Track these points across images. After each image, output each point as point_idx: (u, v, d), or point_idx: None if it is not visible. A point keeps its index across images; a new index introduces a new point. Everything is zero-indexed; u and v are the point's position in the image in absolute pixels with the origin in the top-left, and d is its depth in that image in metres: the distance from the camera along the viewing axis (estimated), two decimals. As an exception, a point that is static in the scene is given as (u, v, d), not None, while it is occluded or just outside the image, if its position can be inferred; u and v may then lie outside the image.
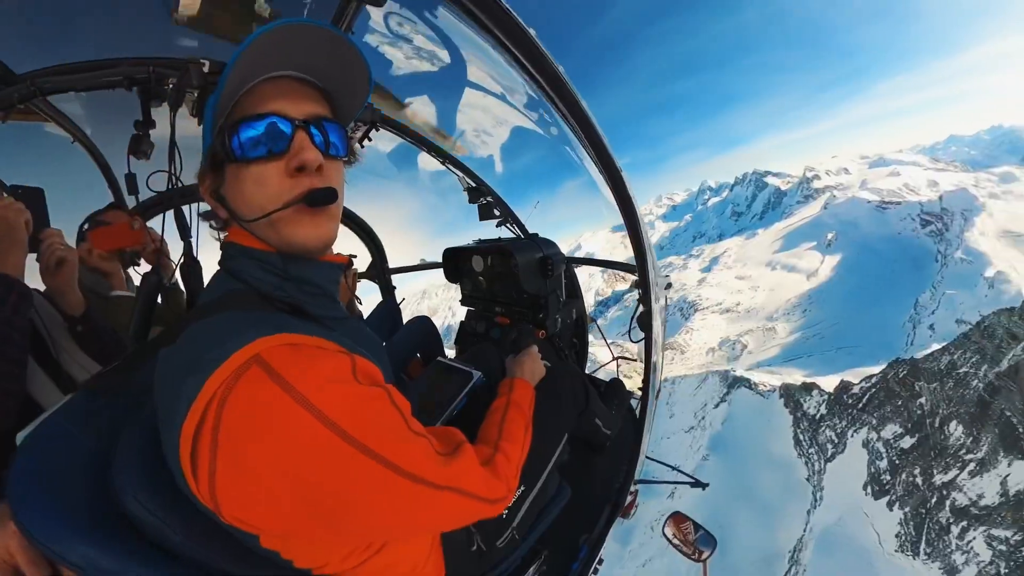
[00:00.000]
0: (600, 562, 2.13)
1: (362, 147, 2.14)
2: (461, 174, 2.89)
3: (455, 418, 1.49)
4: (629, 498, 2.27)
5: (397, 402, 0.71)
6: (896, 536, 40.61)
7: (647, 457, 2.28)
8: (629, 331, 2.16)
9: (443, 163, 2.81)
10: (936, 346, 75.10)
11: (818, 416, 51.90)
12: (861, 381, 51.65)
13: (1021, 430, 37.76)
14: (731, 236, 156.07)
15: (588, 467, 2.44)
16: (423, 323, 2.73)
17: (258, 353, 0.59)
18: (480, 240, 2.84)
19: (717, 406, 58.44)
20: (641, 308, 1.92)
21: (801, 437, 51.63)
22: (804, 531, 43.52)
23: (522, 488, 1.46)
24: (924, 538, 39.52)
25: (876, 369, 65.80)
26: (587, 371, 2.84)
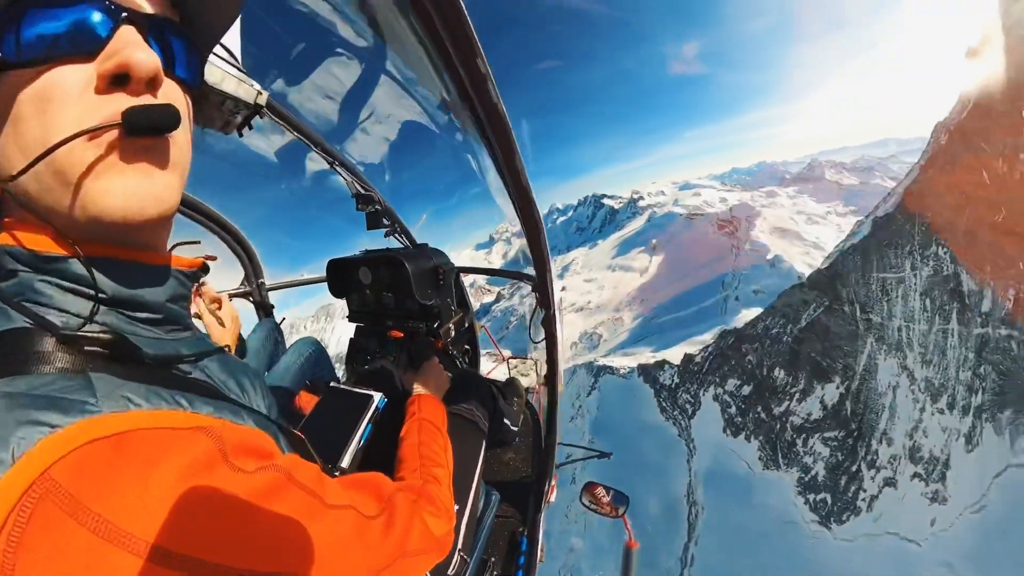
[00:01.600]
0: (543, 550, 2.12)
1: (240, 136, 1.73)
2: (350, 178, 2.46)
3: (363, 449, 1.21)
4: (549, 485, 2.26)
5: (302, 477, 0.46)
6: (759, 459, 45.17)
7: (560, 443, 2.20)
8: (530, 332, 2.11)
9: (332, 165, 2.37)
10: (745, 312, 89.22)
11: (673, 385, 56.32)
12: (700, 351, 57.86)
13: (824, 364, 44.36)
14: (577, 247, 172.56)
15: (503, 465, 2.52)
16: (310, 345, 2.25)
17: (47, 471, 0.32)
18: (367, 251, 2.40)
19: (589, 394, 60.73)
20: (542, 311, 1.72)
21: (664, 405, 55.39)
22: (690, 476, 46.84)
23: (457, 507, 1.33)
24: (779, 454, 43.53)
25: (709, 338, 75.14)
26: (483, 375, 2.73)
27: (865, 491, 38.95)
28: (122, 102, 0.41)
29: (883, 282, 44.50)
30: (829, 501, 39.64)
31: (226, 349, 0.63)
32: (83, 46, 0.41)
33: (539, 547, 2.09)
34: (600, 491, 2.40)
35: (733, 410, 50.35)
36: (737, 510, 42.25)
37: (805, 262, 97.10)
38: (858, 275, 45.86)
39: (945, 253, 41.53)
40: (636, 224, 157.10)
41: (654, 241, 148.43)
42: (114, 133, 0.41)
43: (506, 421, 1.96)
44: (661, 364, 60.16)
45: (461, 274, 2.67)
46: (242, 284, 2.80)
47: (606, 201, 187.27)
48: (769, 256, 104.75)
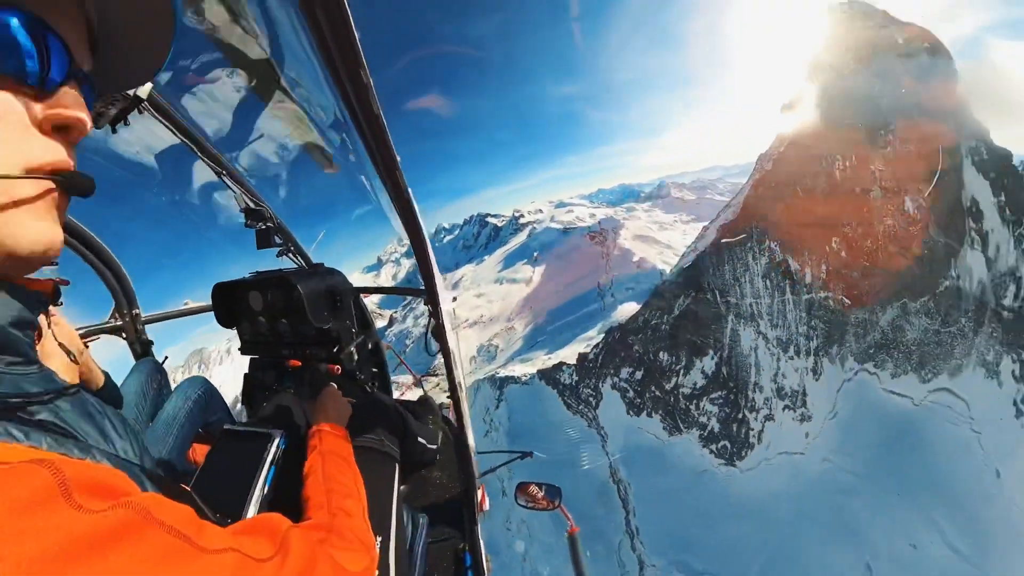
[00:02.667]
0: (488, 560, 2.14)
1: (113, 131, 1.47)
2: (240, 191, 2.13)
3: (268, 495, 1.09)
4: (479, 494, 2.26)
5: (167, 517, 0.39)
6: (663, 429, 49.23)
7: (478, 453, 2.23)
8: (426, 344, 2.12)
9: (220, 175, 2.04)
10: (622, 308, 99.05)
11: (573, 383, 58.51)
12: (592, 349, 60.75)
13: (698, 342, 52.45)
14: (465, 264, 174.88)
15: (431, 485, 2.46)
16: (197, 386, 2.02)
17: None
18: (257, 273, 2.21)
19: (498, 407, 60.63)
20: (433, 322, 1.73)
21: (569, 402, 57.20)
22: (609, 460, 48.89)
23: (379, 539, 1.26)
24: (678, 421, 49.19)
25: (595, 334, 79.98)
26: (394, 397, 2.63)
27: (752, 429, 46.41)
28: (60, 152, 0.42)
29: (734, 271, 54.12)
30: (728, 446, 46.05)
31: (80, 390, 0.54)
32: (32, 80, 0.40)
33: (484, 558, 2.08)
34: (533, 488, 2.48)
35: (631, 394, 53.88)
36: (658, 476, 45.82)
37: (662, 260, 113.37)
38: (714, 269, 54.13)
39: (775, 245, 52.59)
40: (519, 239, 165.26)
41: (536, 254, 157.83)
42: (49, 182, 0.41)
43: (421, 441, 1.90)
44: (559, 366, 62.05)
45: (360, 294, 2.55)
46: (112, 317, 2.39)
47: (490, 220, 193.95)
48: (635, 259, 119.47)
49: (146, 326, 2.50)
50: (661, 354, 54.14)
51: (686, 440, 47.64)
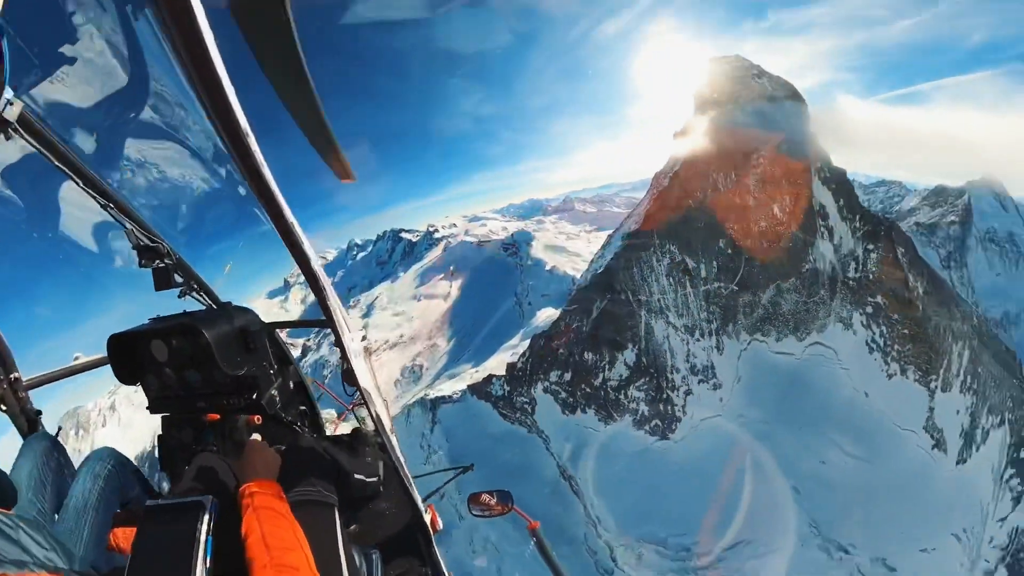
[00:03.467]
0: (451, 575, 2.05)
1: None
2: (131, 225, 1.86)
3: (211, 566, 1.01)
4: (429, 516, 2.18)
5: None
6: (599, 421, 51.40)
7: (415, 477, 2.12)
8: (344, 388, 1.94)
9: (106, 207, 1.77)
10: (540, 314, 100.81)
11: (505, 394, 57.60)
12: (518, 358, 60.63)
13: (618, 339, 55.56)
14: (380, 283, 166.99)
15: (381, 518, 2.33)
16: (106, 461, 1.76)
17: None
18: (157, 318, 1.99)
19: (433, 430, 57.59)
20: (344, 364, 1.59)
21: (505, 412, 56.32)
22: (556, 461, 49.61)
23: None
24: (611, 411, 51.13)
25: (520, 344, 79.34)
26: (327, 433, 2.53)
27: (676, 405, 50.60)
28: None
29: (641, 273, 58.98)
30: (660, 423, 49.53)
31: None
32: None
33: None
34: (484, 497, 2.44)
35: (563, 395, 54.84)
36: (604, 464, 47.69)
37: (572, 267, 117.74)
38: (625, 272, 56.73)
39: (674, 248, 58.79)
40: (434, 254, 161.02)
41: (452, 268, 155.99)
42: None
43: (359, 477, 1.76)
44: (489, 379, 60.81)
45: (276, 330, 2.33)
46: None
47: (404, 235, 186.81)
48: (548, 267, 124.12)
49: (30, 392, 1.99)
50: (586, 354, 55.88)
51: (622, 426, 50.16)
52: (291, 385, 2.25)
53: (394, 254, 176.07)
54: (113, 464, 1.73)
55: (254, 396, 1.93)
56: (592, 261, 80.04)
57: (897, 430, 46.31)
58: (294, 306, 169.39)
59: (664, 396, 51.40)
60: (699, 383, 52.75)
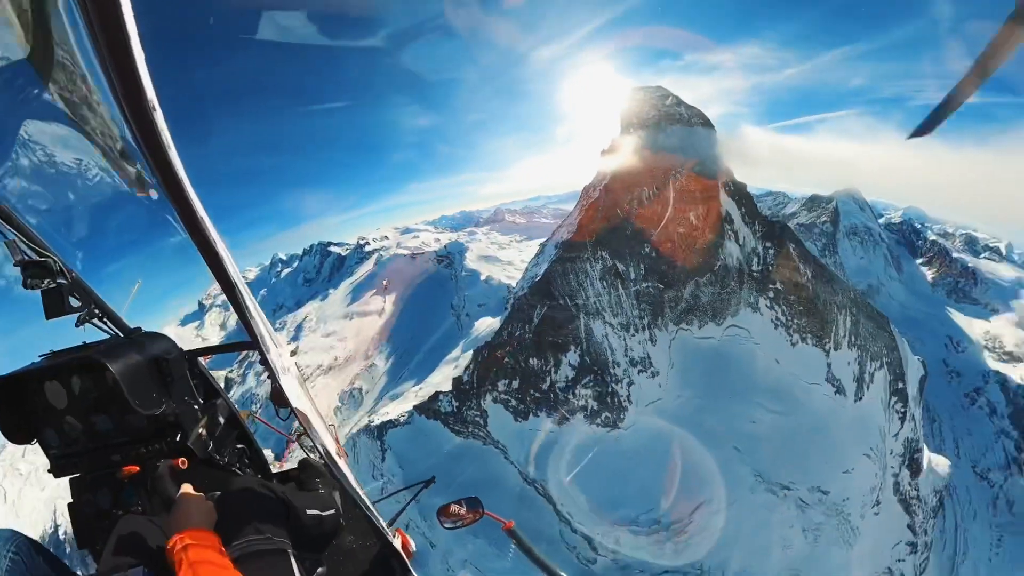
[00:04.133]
0: None
1: None
2: (13, 235, 1.48)
3: None
4: (399, 540, 2.04)
5: None
6: (552, 423, 52.97)
7: (375, 502, 1.92)
8: (277, 412, 1.68)
9: None
10: (479, 324, 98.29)
11: (455, 409, 56.68)
12: (464, 371, 59.64)
13: (560, 342, 56.57)
14: (308, 302, 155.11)
15: (344, 554, 2.13)
16: (10, 546, 1.38)
17: None
18: (51, 353, 1.61)
19: (384, 459, 55.23)
20: (273, 384, 1.38)
21: (457, 428, 55.54)
22: (517, 468, 50.45)
23: None
24: (562, 412, 53.05)
25: (462, 355, 77.84)
26: (272, 471, 2.22)
27: (621, 396, 53.80)
28: None
29: (577, 279, 61.78)
30: (609, 415, 52.28)
31: None
32: None
33: None
34: (453, 507, 2.42)
35: (514, 403, 55.39)
36: (564, 462, 49.14)
37: (507, 276, 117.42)
38: (561, 279, 59.31)
39: (606, 254, 62.51)
40: (366, 268, 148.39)
41: (385, 282, 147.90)
42: None
43: (314, 513, 1.57)
44: (435, 395, 59.01)
45: (197, 358, 1.90)
46: None
47: (333, 249, 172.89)
48: (482, 277, 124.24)
49: None
50: (531, 360, 57.19)
51: (575, 424, 51.90)
52: (221, 421, 1.93)
53: (323, 270, 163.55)
54: (17, 549, 1.30)
55: (179, 438, 1.63)
56: (526, 269, 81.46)
57: (806, 385, 54.47)
58: (211, 331, 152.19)
59: (609, 390, 54.23)
60: (639, 373, 56.35)
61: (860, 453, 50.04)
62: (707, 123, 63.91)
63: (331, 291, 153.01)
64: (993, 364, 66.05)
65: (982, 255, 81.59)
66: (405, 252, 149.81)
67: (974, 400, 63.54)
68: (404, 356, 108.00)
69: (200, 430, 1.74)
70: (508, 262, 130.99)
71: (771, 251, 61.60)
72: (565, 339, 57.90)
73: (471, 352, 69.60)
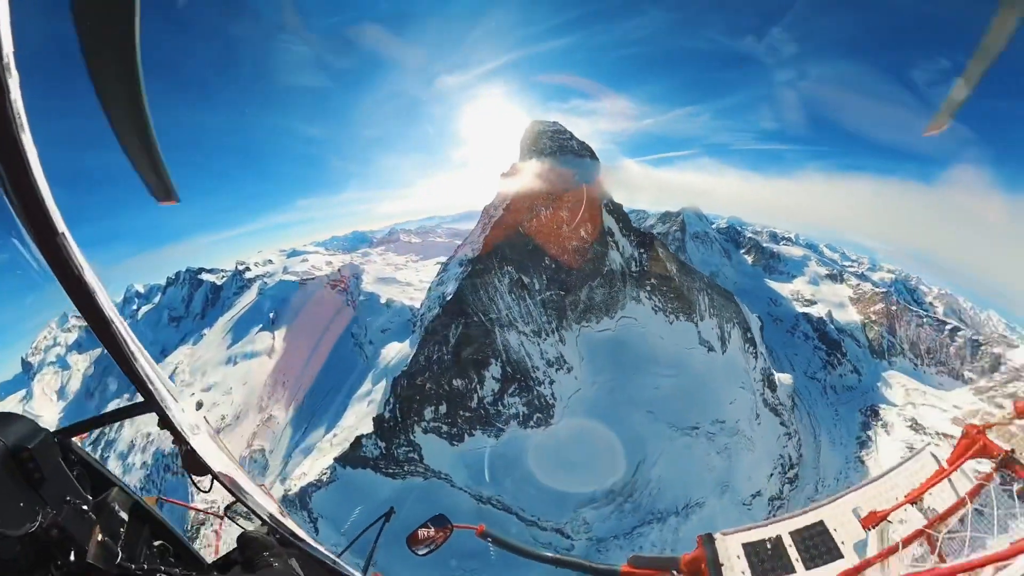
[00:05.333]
0: None
1: None
2: None
3: None
4: None
5: None
6: (489, 437, 54.23)
7: (339, 555, 1.82)
8: (194, 483, 1.41)
9: None
10: (387, 350, 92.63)
11: (383, 451, 53.07)
12: (383, 407, 56.49)
13: (480, 358, 57.63)
14: (177, 347, 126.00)
15: None
16: None
17: None
18: None
19: (316, 529, 48.57)
20: (183, 448, 1.12)
21: (391, 471, 52.64)
22: (468, 492, 50.29)
23: None
24: (496, 424, 54.73)
25: (374, 388, 73.37)
26: (209, 560, 1.79)
27: (546, 395, 57.36)
28: None
29: (487, 294, 64.37)
30: (540, 415, 55.19)
31: None
32: None
33: None
34: (421, 532, 2.35)
35: (446, 428, 54.22)
36: (512, 471, 50.44)
37: (408, 297, 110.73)
38: (472, 295, 60.50)
39: (511, 268, 66.54)
40: (247, 299, 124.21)
41: (272, 314, 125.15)
42: None
43: None
44: (357, 441, 53.96)
45: (72, 439, 1.46)
46: None
47: (205, 276, 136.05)
48: (382, 301, 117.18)
49: None
50: (454, 381, 56.52)
51: (511, 433, 53.68)
52: (124, 517, 1.43)
53: (193, 304, 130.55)
54: None
55: (73, 556, 1.17)
56: (430, 289, 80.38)
57: (686, 350, 64.75)
58: (45, 404, 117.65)
59: (535, 392, 57.82)
60: (556, 372, 60.86)
61: (736, 387, 62.53)
62: (593, 155, 72.53)
63: (206, 331, 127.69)
64: (800, 308, 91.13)
65: (781, 243, 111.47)
66: (293, 278, 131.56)
67: (793, 333, 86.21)
68: (307, 401, 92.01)
69: (98, 537, 1.27)
70: (407, 283, 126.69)
71: (644, 255, 71.99)
72: (484, 354, 58.99)
73: (386, 383, 67.07)
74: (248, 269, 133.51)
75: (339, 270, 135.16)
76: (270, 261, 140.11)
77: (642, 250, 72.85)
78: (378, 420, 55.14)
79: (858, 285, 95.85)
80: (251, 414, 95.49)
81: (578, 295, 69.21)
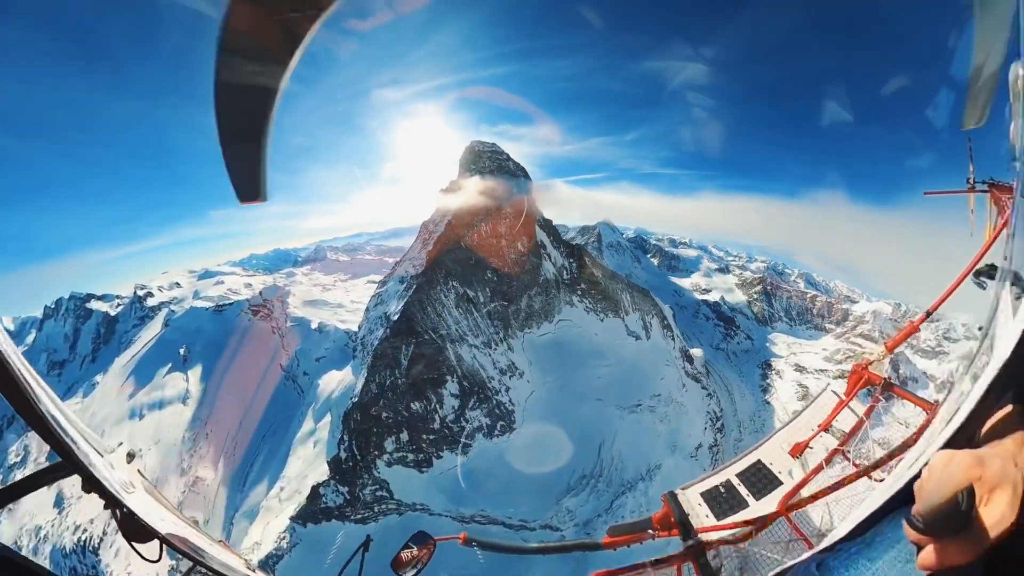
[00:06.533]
0: None
1: None
2: None
3: None
4: None
5: None
6: (457, 455, 53.89)
7: None
8: (139, 553, 1.17)
9: None
10: (325, 380, 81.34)
11: (346, 496, 48.57)
12: (337, 447, 51.62)
13: (436, 376, 57.11)
14: (62, 400, 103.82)
15: None
16: None
17: None
18: None
19: None
20: (118, 512, 0.91)
21: (361, 515, 47.88)
22: (448, 516, 49.14)
23: None
24: (462, 440, 54.32)
25: (321, 426, 65.54)
26: None
27: (504, 402, 59.28)
28: None
29: (435, 310, 65.02)
30: (503, 423, 56.34)
31: None
32: None
33: None
34: (404, 555, 2.30)
35: (410, 457, 51.95)
36: (488, 483, 50.99)
37: (339, 320, 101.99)
38: (421, 314, 59.90)
39: (455, 282, 67.89)
40: (151, 333, 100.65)
41: (182, 350, 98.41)
42: None
43: None
44: (314, 492, 47.74)
45: None
46: None
47: (96, 305, 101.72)
48: (314, 325, 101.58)
49: None
50: (412, 404, 54.45)
51: (479, 446, 54.53)
52: None
53: (80, 342, 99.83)
54: None
55: None
56: (367, 310, 77.57)
57: (618, 343, 71.07)
58: None
59: (494, 402, 59.85)
60: (510, 378, 63.13)
61: (662, 365, 70.64)
62: (526, 174, 76.34)
63: (99, 377, 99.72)
64: (699, 296, 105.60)
65: (679, 247, 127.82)
66: (207, 304, 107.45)
67: (696, 316, 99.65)
68: (240, 452, 76.76)
69: None
70: (338, 304, 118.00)
71: (574, 264, 78.12)
72: (440, 372, 58.03)
73: (332, 419, 62.08)
74: (150, 295, 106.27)
75: (261, 293, 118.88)
76: (177, 284, 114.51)
77: (571, 260, 79.10)
78: (334, 463, 49.76)
79: (741, 274, 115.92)
80: (171, 479, 76.50)
81: (519, 304, 72.91)
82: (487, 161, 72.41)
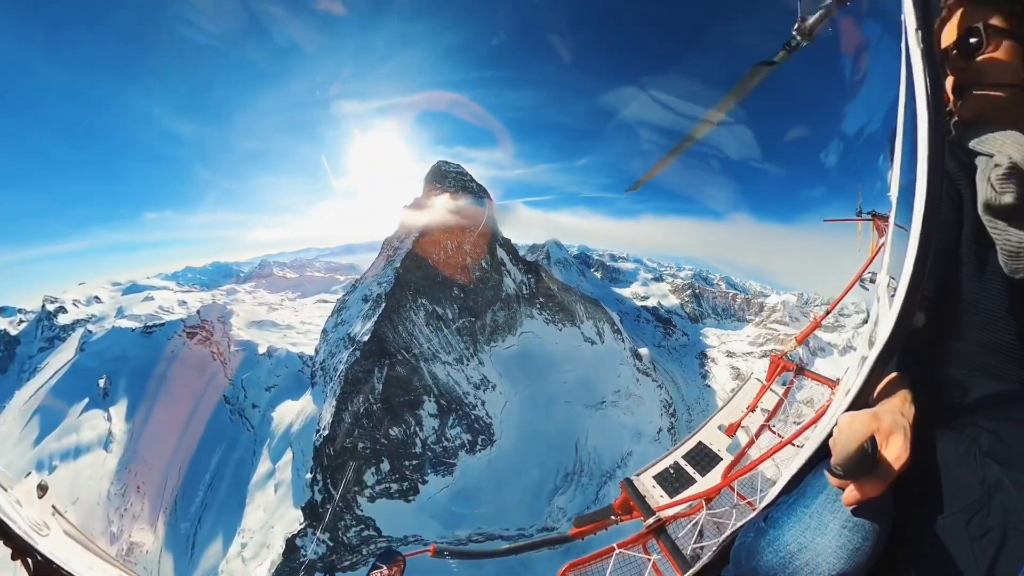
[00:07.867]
0: None
1: None
2: None
3: None
4: None
5: None
6: (442, 476, 53.06)
7: None
8: None
9: None
10: (280, 411, 71.37)
11: (328, 544, 44.52)
12: (311, 489, 47.14)
13: (412, 397, 56.33)
14: None
15: None
16: None
17: None
18: None
19: None
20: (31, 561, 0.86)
21: (348, 562, 44.48)
22: (440, 542, 49.52)
23: None
24: (445, 459, 54.41)
25: (281, 467, 58.56)
26: None
27: (482, 415, 60.49)
28: None
29: (406, 328, 64.58)
30: (484, 437, 57.40)
31: None
32: None
33: None
34: (376, 573, 2.26)
35: (394, 487, 49.31)
36: (477, 499, 51.37)
37: (290, 343, 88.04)
38: (392, 333, 59.22)
39: (424, 301, 68.15)
40: (61, 359, 78.83)
41: (102, 381, 78.32)
42: None
43: None
44: (290, 544, 42.44)
45: None
46: None
47: None
48: (261, 350, 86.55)
49: None
50: (391, 431, 51.98)
51: (463, 464, 54.51)
52: None
53: None
54: None
55: None
56: (325, 332, 72.59)
57: (576, 349, 75.40)
58: None
59: (472, 417, 60.93)
60: (484, 392, 64.45)
61: (617, 364, 75.80)
62: (489, 196, 79.32)
63: None
64: (639, 303, 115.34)
65: (618, 260, 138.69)
66: (133, 323, 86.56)
67: (638, 320, 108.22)
68: (181, 508, 61.38)
69: None
70: (287, 325, 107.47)
71: (532, 279, 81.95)
72: (416, 393, 57.00)
73: (293, 456, 56.12)
74: (63, 310, 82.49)
75: (199, 312, 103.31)
76: (97, 299, 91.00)
77: (529, 275, 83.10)
78: (309, 507, 44.00)
79: (673, 281, 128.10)
80: (99, 540, 59.76)
81: (484, 319, 74.75)
82: (452, 181, 74.21)
